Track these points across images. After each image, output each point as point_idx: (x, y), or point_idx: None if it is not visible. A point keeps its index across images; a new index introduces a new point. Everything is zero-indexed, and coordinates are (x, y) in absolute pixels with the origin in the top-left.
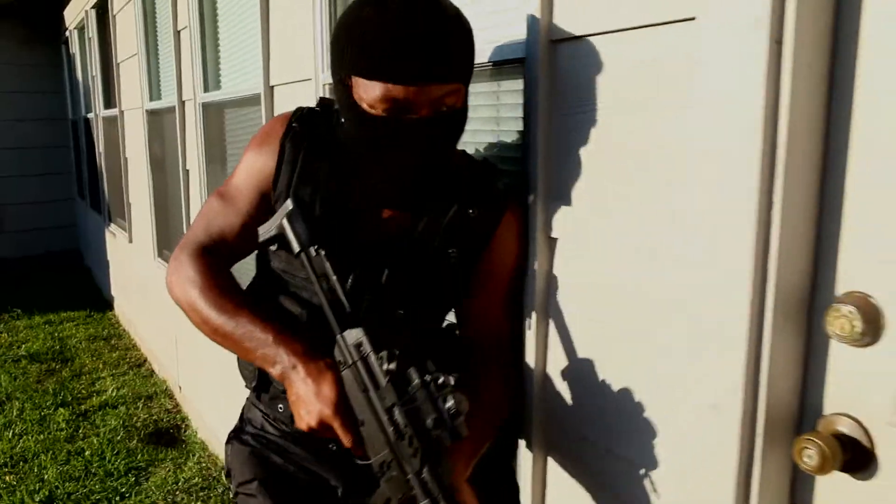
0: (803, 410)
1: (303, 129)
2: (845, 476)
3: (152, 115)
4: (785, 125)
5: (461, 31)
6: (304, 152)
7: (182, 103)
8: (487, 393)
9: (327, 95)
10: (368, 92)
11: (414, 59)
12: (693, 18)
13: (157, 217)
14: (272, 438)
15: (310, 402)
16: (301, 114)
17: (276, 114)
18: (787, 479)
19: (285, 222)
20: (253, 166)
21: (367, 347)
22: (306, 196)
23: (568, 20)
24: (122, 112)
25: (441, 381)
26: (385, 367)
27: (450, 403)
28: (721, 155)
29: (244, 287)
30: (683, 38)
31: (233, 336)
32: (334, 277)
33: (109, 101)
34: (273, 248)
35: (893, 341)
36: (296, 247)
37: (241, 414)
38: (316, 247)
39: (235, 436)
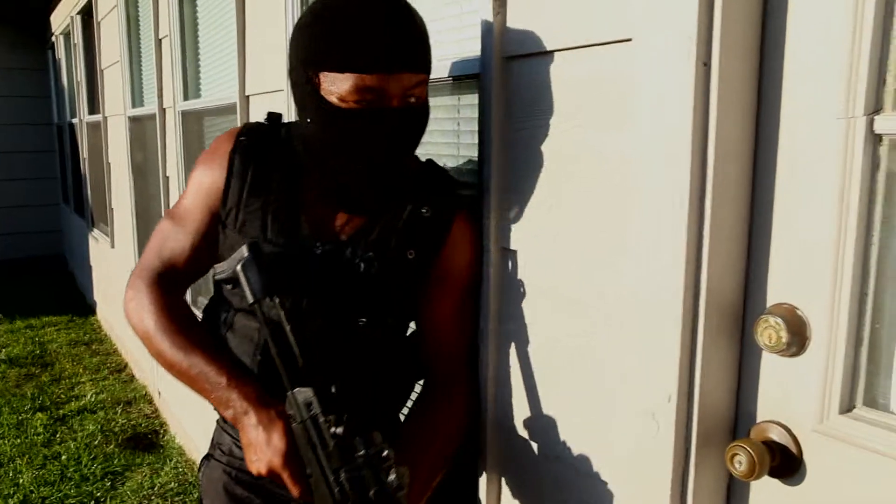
0: (738, 418)
1: (251, 142)
2: (778, 482)
3: (134, 121)
4: (713, 144)
5: (420, 22)
6: (254, 164)
7: (163, 111)
8: (442, 421)
9: None
10: (339, 85)
11: (384, 48)
12: (630, 40)
13: (139, 223)
14: (240, 465)
15: (260, 449)
16: (248, 128)
17: (251, 120)
18: (723, 485)
19: (239, 269)
20: (201, 184)
21: (316, 408)
22: (258, 208)
23: (520, 38)
24: (105, 118)
25: (385, 454)
26: (333, 430)
27: (392, 477)
28: (655, 173)
29: (202, 309)
30: (622, 59)
31: (187, 374)
32: (288, 327)
33: (94, 107)
34: (228, 287)
35: (818, 351)
36: (249, 297)
37: (213, 437)
38: (269, 298)
39: (208, 459)
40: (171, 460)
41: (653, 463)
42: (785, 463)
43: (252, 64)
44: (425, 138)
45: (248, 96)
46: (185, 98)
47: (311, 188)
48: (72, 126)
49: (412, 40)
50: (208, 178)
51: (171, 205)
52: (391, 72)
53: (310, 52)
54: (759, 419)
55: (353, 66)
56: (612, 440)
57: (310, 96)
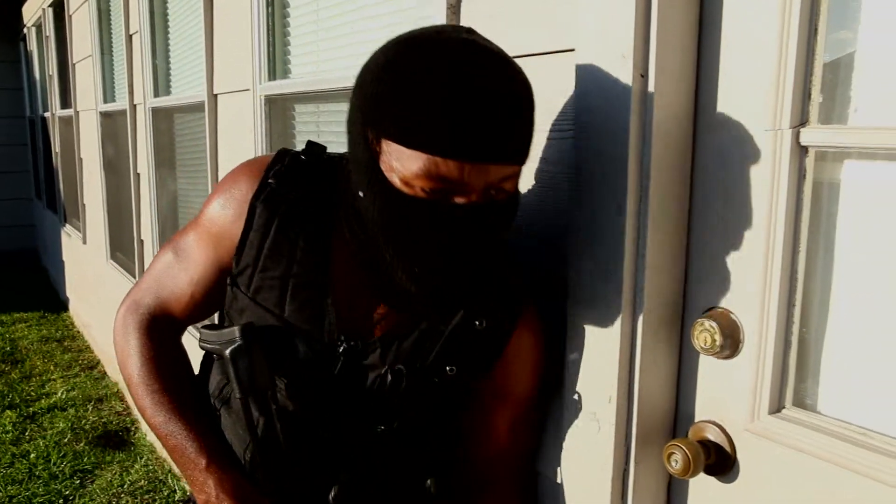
0: (677, 418)
1: (280, 189)
2: (714, 479)
3: (106, 117)
4: (650, 153)
5: (531, 100)
6: (280, 219)
7: (133, 107)
8: None
9: (264, 106)
10: (404, 163)
11: (479, 131)
12: (573, 50)
13: (111, 219)
14: None
15: None
16: (280, 166)
17: (219, 121)
18: (663, 483)
19: (228, 357)
20: (212, 224)
21: None
22: (277, 277)
23: None
24: (77, 113)
25: None
26: None
27: None
28: (596, 182)
29: (193, 364)
30: (566, 67)
31: (164, 440)
32: (281, 433)
33: (66, 101)
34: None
35: (749, 354)
36: (237, 392)
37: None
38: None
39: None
40: (141, 458)
41: (595, 461)
42: (720, 461)
43: (220, 62)
44: None
45: (216, 95)
46: (156, 95)
47: (345, 261)
48: (44, 120)
49: (517, 124)
50: (220, 221)
51: (142, 202)
52: (476, 161)
53: (373, 108)
54: (696, 419)
55: (433, 145)
56: (568, 443)
57: (366, 165)
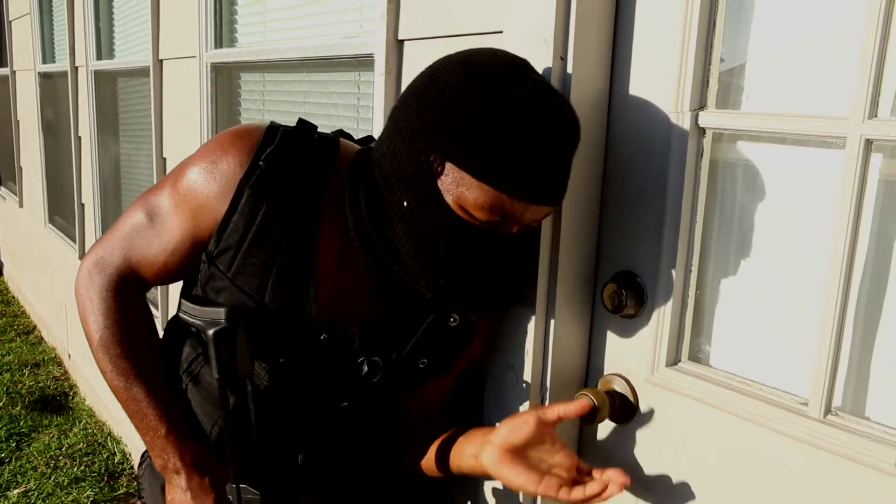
0: (588, 371)
1: (271, 173)
2: (619, 426)
3: (45, 78)
4: None
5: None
6: (268, 207)
7: (75, 69)
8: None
9: (210, 74)
10: (467, 191)
11: (549, 178)
12: (501, 31)
13: (49, 183)
14: None
15: None
16: (273, 150)
17: (164, 87)
18: (574, 429)
19: (211, 336)
20: (193, 195)
21: None
22: (260, 263)
23: (411, 24)
24: (13, 72)
25: None
26: None
27: None
28: None
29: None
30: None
31: (125, 404)
32: (253, 414)
33: (2, 60)
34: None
35: (650, 314)
36: (215, 373)
37: None
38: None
39: (149, 463)
40: (80, 422)
41: (512, 409)
42: (624, 409)
43: (166, 27)
44: (329, 111)
45: (161, 60)
46: (99, 57)
47: (332, 246)
48: None
49: (568, 171)
50: (203, 193)
51: (83, 165)
52: (540, 203)
53: (445, 132)
54: (605, 372)
55: (499, 181)
56: (490, 395)
57: (421, 180)
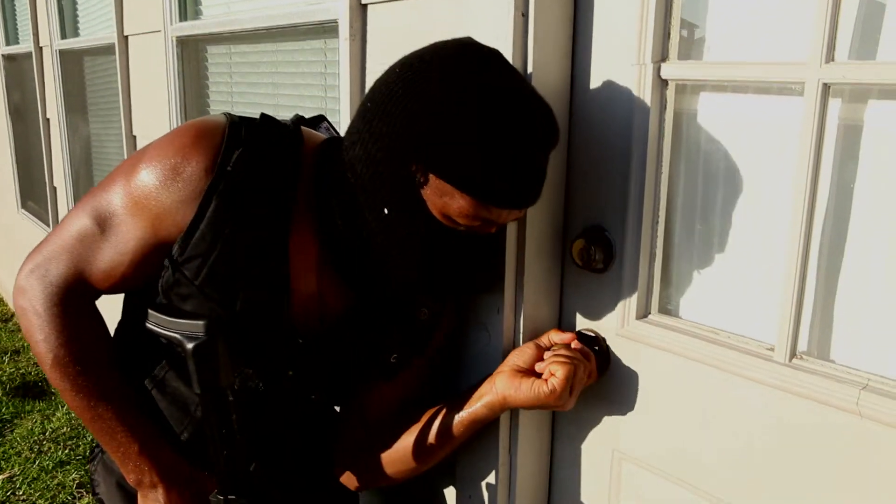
0: (561, 327)
1: (239, 179)
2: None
3: (9, 60)
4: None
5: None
6: (238, 217)
7: (39, 49)
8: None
9: (176, 48)
10: (449, 200)
11: (533, 185)
12: None
13: (20, 168)
14: None
15: None
16: (242, 152)
17: (130, 64)
18: None
19: (190, 350)
20: (151, 201)
21: None
22: (231, 272)
23: None
24: None
25: None
26: None
27: None
28: None
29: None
30: (456, 8)
31: (90, 424)
32: (236, 429)
33: None
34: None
35: (619, 267)
36: (196, 388)
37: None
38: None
39: (102, 452)
40: (63, 406)
41: (486, 368)
42: (598, 363)
43: (130, 2)
44: (297, 80)
45: (126, 36)
46: (63, 36)
47: (302, 246)
48: None
49: (545, 175)
50: (163, 200)
51: (52, 148)
52: (522, 208)
53: (429, 145)
54: (577, 327)
55: (485, 193)
56: (465, 355)
57: (400, 188)
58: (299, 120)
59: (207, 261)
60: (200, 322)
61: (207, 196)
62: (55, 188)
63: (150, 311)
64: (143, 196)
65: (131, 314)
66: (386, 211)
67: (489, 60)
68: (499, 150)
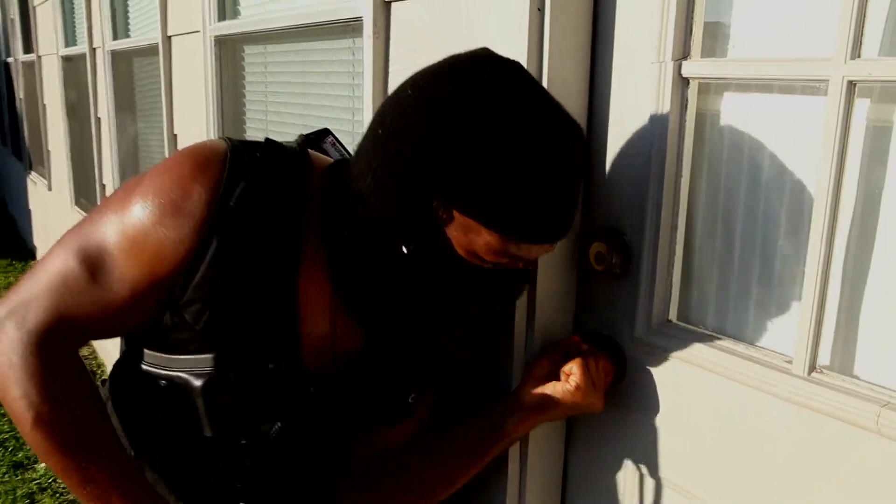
0: (576, 331)
1: (244, 216)
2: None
3: (67, 61)
4: (546, 78)
5: None
6: (243, 256)
7: (93, 50)
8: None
9: (214, 48)
10: (475, 237)
11: (558, 220)
12: None
13: (74, 164)
14: None
15: None
16: (246, 183)
17: (173, 64)
18: None
19: (199, 389)
20: (149, 242)
21: None
22: (238, 315)
23: None
24: (39, 57)
25: None
26: None
27: None
28: None
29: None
30: (475, 4)
31: (79, 488)
32: (250, 476)
33: (28, 46)
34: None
35: (638, 272)
36: (207, 431)
37: None
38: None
39: None
40: None
41: (502, 372)
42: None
43: (173, 3)
44: (325, 79)
45: (169, 37)
46: (115, 38)
47: (312, 282)
48: (7, 65)
49: (578, 205)
50: (165, 241)
51: (102, 146)
52: (553, 241)
53: (454, 184)
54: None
55: (515, 230)
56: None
57: (421, 226)
58: (305, 141)
59: (209, 305)
60: (208, 355)
61: (208, 234)
62: (104, 185)
63: (146, 350)
64: (139, 234)
65: (128, 355)
66: (405, 249)
67: (510, 78)
68: (528, 181)
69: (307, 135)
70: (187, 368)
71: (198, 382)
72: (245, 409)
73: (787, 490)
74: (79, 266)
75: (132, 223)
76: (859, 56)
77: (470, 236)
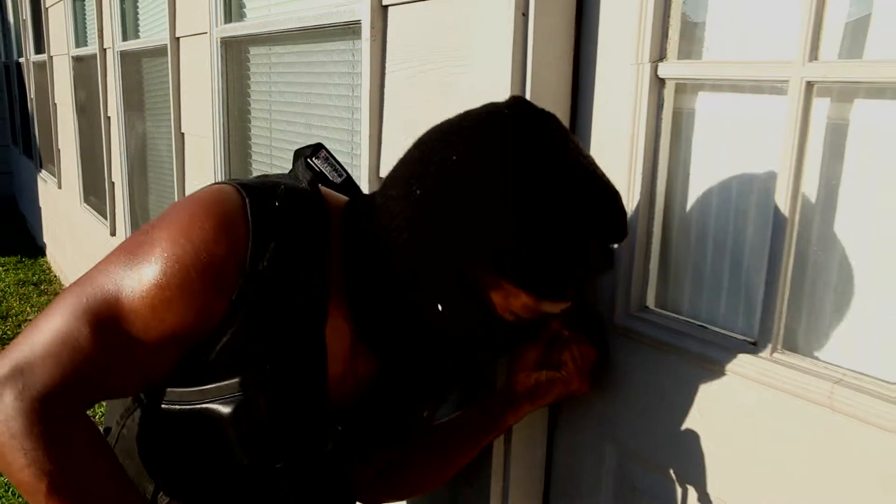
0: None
1: (274, 277)
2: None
3: (78, 61)
4: (529, 83)
5: None
6: (272, 318)
7: (103, 51)
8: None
9: (220, 49)
10: (518, 301)
11: (584, 279)
12: None
13: (84, 163)
14: None
15: None
16: (276, 242)
17: (181, 65)
18: None
19: (229, 416)
20: (178, 311)
21: None
22: (268, 364)
23: None
24: (50, 58)
25: None
26: None
27: None
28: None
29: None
30: (467, 9)
31: None
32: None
33: (40, 47)
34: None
35: (618, 263)
36: (242, 458)
37: None
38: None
39: None
40: None
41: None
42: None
43: (182, 5)
44: (327, 80)
45: (178, 38)
46: (125, 39)
47: (336, 329)
48: (19, 65)
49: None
50: (188, 306)
51: (112, 144)
52: (576, 302)
53: (492, 251)
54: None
55: (550, 293)
56: None
57: (458, 287)
58: (315, 179)
59: (238, 363)
60: (234, 380)
61: (239, 299)
62: (113, 183)
63: (168, 389)
64: (164, 304)
65: (145, 398)
66: (440, 307)
67: (546, 140)
68: (565, 249)
69: (301, 150)
70: (212, 397)
71: (226, 409)
72: (279, 430)
73: (754, 462)
74: (85, 328)
75: (152, 287)
76: (817, 59)
77: (510, 299)
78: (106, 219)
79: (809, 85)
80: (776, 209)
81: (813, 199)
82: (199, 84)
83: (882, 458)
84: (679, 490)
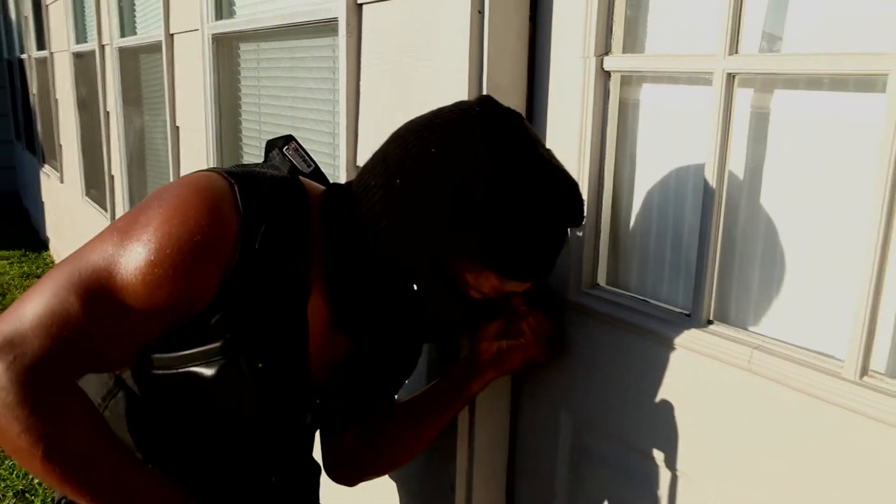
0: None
1: (268, 256)
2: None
3: (78, 57)
4: (486, 75)
5: None
6: (264, 294)
7: (102, 47)
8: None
9: (211, 45)
10: (489, 282)
11: (549, 262)
12: None
13: (85, 157)
14: None
15: None
16: (267, 226)
17: (175, 61)
18: None
19: (211, 377)
20: (171, 292)
21: None
22: (257, 336)
23: None
24: (51, 54)
25: None
26: None
27: None
28: (448, 96)
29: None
30: (433, 7)
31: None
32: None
33: (41, 43)
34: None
35: (570, 243)
36: (227, 424)
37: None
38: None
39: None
40: None
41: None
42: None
43: (176, 1)
44: (308, 74)
45: (172, 35)
46: (122, 35)
47: (318, 307)
48: (21, 62)
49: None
50: (182, 285)
51: (111, 139)
52: (539, 281)
53: (469, 241)
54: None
55: (522, 275)
56: None
57: (434, 271)
58: (294, 168)
59: (228, 336)
60: (215, 344)
61: (233, 277)
62: (112, 177)
63: (153, 356)
64: (153, 276)
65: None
66: (415, 287)
67: (512, 136)
68: (539, 237)
69: (273, 141)
70: (196, 361)
71: (210, 371)
72: (260, 399)
73: (691, 425)
74: (79, 304)
75: (145, 262)
76: (737, 52)
77: (480, 280)
78: (106, 211)
79: (730, 76)
80: (705, 191)
81: (739, 182)
82: (192, 79)
83: (796, 416)
84: (628, 455)
